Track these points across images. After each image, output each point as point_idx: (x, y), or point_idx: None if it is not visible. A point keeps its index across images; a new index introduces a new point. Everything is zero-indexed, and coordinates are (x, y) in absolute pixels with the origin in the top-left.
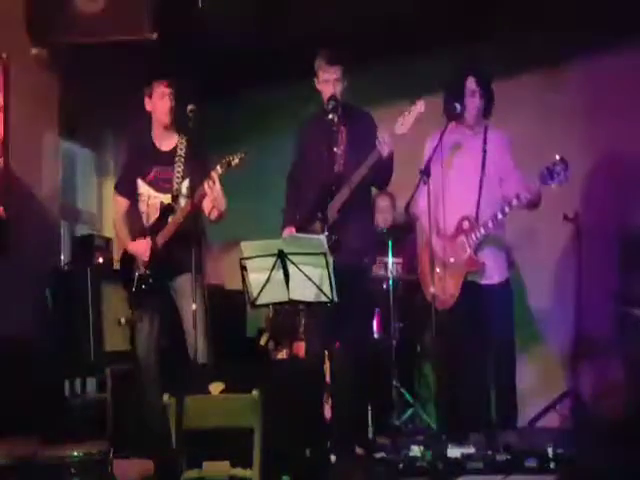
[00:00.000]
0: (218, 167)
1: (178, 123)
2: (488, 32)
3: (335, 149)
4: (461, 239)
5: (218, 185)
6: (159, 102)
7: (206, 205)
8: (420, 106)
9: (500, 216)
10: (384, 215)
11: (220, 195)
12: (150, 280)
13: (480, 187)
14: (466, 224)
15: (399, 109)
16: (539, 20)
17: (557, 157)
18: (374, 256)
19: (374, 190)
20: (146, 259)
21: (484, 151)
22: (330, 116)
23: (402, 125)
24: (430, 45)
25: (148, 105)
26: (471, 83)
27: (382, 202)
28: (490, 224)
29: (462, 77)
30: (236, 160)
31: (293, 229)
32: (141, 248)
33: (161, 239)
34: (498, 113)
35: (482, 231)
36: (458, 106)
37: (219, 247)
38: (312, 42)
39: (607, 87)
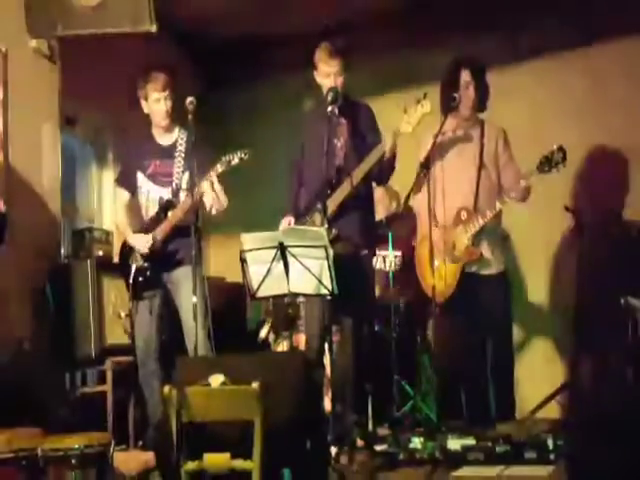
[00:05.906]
0: (218, 166)
1: (178, 116)
2: (487, 23)
3: (336, 141)
4: (459, 230)
5: (218, 185)
6: (155, 107)
7: (206, 200)
8: (426, 106)
9: (499, 206)
10: (382, 203)
11: (221, 195)
12: (148, 273)
13: (478, 178)
14: (464, 215)
15: (398, 101)
16: (536, 10)
17: (554, 146)
18: (373, 248)
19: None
20: (144, 253)
21: (482, 143)
22: (330, 108)
23: (408, 124)
24: (430, 37)
25: (145, 108)
26: (466, 75)
27: (377, 192)
28: (488, 213)
29: (456, 70)
30: (236, 160)
31: (292, 218)
32: (140, 242)
33: (160, 234)
34: (495, 105)
35: (480, 221)
36: (457, 96)
37: (219, 240)
38: (313, 33)
39: (606, 78)
